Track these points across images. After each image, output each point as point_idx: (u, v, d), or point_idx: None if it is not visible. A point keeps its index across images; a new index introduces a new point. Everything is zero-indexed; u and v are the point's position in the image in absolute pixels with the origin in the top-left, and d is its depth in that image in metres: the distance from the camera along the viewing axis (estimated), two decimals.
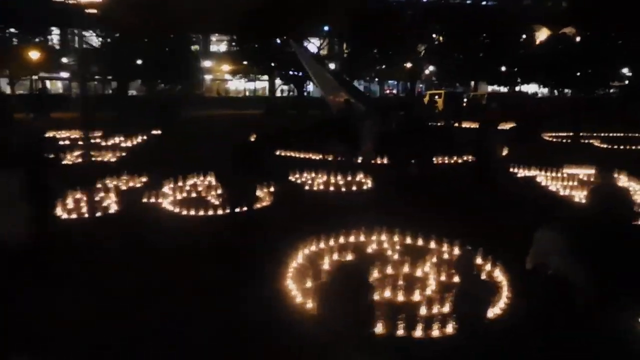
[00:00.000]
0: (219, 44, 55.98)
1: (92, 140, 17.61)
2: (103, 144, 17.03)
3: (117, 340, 4.67)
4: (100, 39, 38.49)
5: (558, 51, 37.37)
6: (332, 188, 11.00)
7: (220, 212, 8.76)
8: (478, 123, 13.17)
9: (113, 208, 9.09)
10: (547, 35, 42.98)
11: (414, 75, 43.45)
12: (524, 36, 42.32)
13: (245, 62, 42.53)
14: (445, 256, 6.87)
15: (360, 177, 11.76)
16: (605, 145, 18.43)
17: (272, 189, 10.41)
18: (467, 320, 4.44)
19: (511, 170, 12.80)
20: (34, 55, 33.13)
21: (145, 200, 9.57)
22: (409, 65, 41.30)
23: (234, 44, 42.88)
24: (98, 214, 8.77)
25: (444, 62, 41.79)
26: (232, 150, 8.43)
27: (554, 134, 21.02)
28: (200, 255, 6.86)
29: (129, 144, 17.31)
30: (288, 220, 8.39)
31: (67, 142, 17.19)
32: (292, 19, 38.40)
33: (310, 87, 50.13)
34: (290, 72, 41.63)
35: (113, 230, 8.03)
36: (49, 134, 18.95)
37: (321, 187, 11.12)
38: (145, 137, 18.72)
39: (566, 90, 43.67)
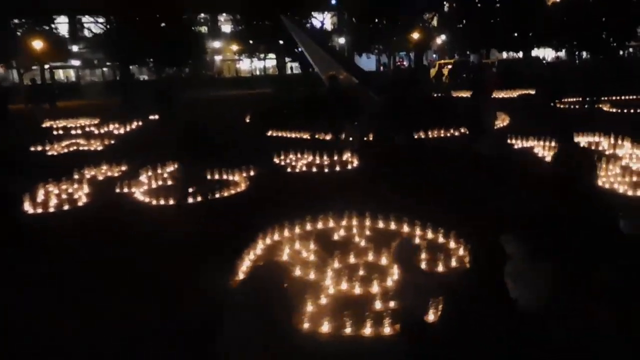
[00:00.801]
0: (227, 24, 55.26)
1: (87, 129, 17.50)
2: (96, 131, 16.83)
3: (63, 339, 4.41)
4: (104, 24, 38.23)
5: (574, 10, 35.39)
6: (315, 169, 10.54)
7: (190, 201, 8.42)
8: (470, 92, 12.51)
9: (83, 200, 8.84)
10: None
11: (422, 45, 42.06)
12: None
13: (251, 41, 41.81)
14: (417, 241, 6.41)
15: (346, 156, 11.31)
16: (615, 110, 17.43)
17: (251, 173, 10.06)
18: (408, 319, 4.01)
19: (508, 141, 12.10)
20: (38, 44, 33.05)
21: (118, 190, 9.29)
22: (416, 35, 39.92)
23: (238, 23, 42.13)
24: (66, 207, 8.52)
25: (454, 30, 40.31)
26: (178, 135, 8.04)
27: (564, 100, 20.04)
28: (145, 250, 6.50)
29: (121, 131, 17.08)
30: (256, 207, 8.01)
31: (60, 131, 17.08)
32: None
33: None
34: (297, 50, 40.83)
35: (76, 224, 7.76)
36: (46, 124, 19.10)
37: (304, 168, 10.67)
38: (141, 123, 18.46)
39: (584, 54, 41.79)
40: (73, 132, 16.87)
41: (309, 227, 6.88)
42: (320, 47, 16.48)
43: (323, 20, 42.24)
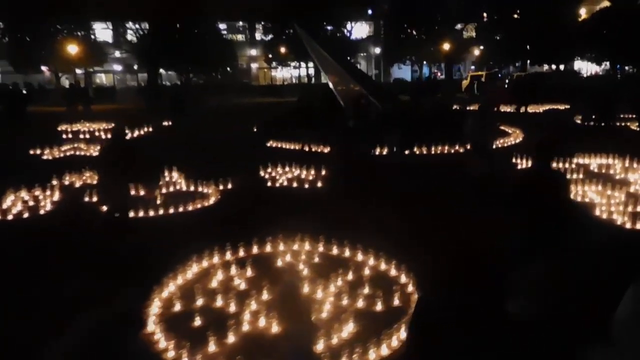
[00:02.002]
0: (266, 33, 55.78)
1: (97, 133, 17.60)
2: (104, 136, 16.90)
3: None
4: (136, 30, 39.14)
5: (613, 21, 33.36)
6: (295, 184, 10.01)
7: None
8: (477, 106, 11.70)
9: (46, 208, 8.64)
10: (590, 9, 38.87)
11: (453, 56, 40.86)
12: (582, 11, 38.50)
13: (282, 50, 41.83)
14: (365, 272, 5.79)
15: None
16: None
17: (229, 186, 9.66)
18: None
19: (513, 161, 11.20)
20: (73, 49, 34.08)
21: (86, 199, 9.04)
22: (446, 46, 38.81)
23: (267, 32, 42.25)
24: (25, 215, 8.33)
25: (490, 42, 38.92)
26: (102, 150, 7.64)
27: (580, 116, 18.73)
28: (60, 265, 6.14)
29: (127, 137, 17.01)
30: (209, 224, 7.57)
31: (70, 135, 17.23)
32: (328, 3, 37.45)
33: None
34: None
35: (20, 233, 7.52)
36: (62, 127, 19.37)
37: (284, 183, 10.16)
38: (151, 129, 18.44)
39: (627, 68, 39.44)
40: (81, 136, 16.99)
41: (252, 250, 6.38)
42: (332, 58, 15.99)
43: (351, 29, 41.74)
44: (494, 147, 11.14)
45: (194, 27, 35.84)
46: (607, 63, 40.20)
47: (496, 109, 22.06)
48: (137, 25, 38.36)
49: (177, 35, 34.56)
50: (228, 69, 41.44)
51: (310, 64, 41.14)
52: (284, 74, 58.42)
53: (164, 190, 9.55)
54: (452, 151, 12.68)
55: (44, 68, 40.47)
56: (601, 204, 8.07)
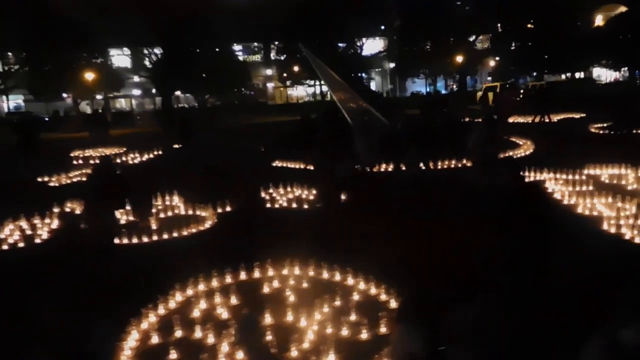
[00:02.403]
0: (279, 53, 56.34)
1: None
2: (114, 161, 17.05)
3: None
4: (148, 55, 39.91)
5: (632, 27, 32.56)
6: (295, 205, 9.83)
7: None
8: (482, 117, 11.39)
9: (44, 237, 8.62)
10: (606, 15, 38.08)
11: (466, 68, 40.45)
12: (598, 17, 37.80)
13: (296, 68, 42.06)
14: (354, 297, 5.54)
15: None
16: None
17: (227, 209, 9.54)
18: None
19: (521, 173, 10.78)
20: (90, 76, 34.89)
21: (82, 226, 9.00)
22: (459, 58, 38.47)
23: (280, 52, 42.58)
24: (21, 244, 8.31)
25: (504, 52, 38.43)
26: (91, 176, 7.55)
27: (599, 125, 18.16)
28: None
29: (136, 161, 17.19)
30: (201, 250, 7.41)
31: (80, 161, 17.42)
32: (340, 20, 37.64)
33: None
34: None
35: (19, 262, 7.49)
36: (74, 153, 19.63)
37: (284, 204, 9.98)
38: (161, 152, 18.54)
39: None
40: (91, 162, 17.14)
41: (239, 277, 6.21)
42: (337, 75, 15.89)
43: (361, 45, 41.79)
44: (502, 158, 10.78)
45: (207, 49, 36.34)
46: (626, 69, 39.32)
47: (507, 119, 21.61)
48: (151, 50, 39.11)
49: (189, 59, 35.02)
50: (243, 89, 41.83)
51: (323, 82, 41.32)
52: (299, 92, 58.80)
53: (161, 215, 9.47)
54: (459, 165, 12.34)
55: (65, 95, 41.54)
56: (610, 217, 7.67)
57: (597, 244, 6.83)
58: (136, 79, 45.48)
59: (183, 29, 34.14)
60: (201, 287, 5.90)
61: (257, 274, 6.28)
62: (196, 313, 5.39)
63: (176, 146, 19.93)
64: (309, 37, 36.08)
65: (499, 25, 38.28)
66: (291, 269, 6.32)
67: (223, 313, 5.36)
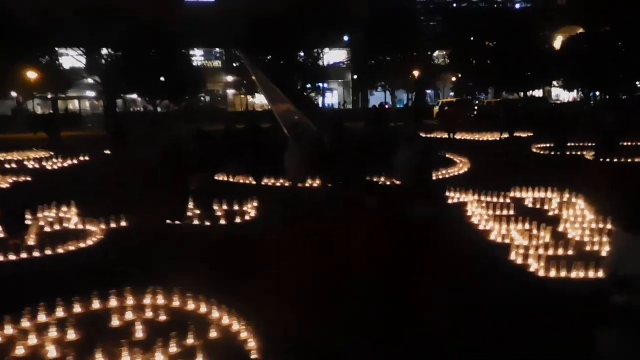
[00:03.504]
0: (238, 60, 55.46)
1: (26, 163, 16.57)
2: (30, 166, 15.93)
3: None
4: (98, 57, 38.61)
5: (587, 50, 33.22)
6: (197, 222, 9.03)
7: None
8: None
9: None
10: (567, 36, 38.90)
11: (423, 83, 40.58)
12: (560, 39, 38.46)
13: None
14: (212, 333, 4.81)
15: (252, 204, 9.86)
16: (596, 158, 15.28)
17: (122, 224, 8.69)
18: None
19: (446, 194, 10.31)
20: (33, 75, 33.31)
21: None
22: (417, 73, 38.54)
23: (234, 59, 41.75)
24: None
25: (461, 68, 38.66)
26: None
27: (542, 146, 18.05)
28: None
29: (55, 167, 16.05)
30: (68, 271, 6.60)
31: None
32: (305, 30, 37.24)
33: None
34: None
35: None
36: None
37: (195, 221, 9.15)
38: (87, 158, 17.44)
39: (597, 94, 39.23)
40: (7, 166, 15.94)
41: (91, 306, 5.41)
42: (275, 85, 15.25)
43: (319, 55, 41.45)
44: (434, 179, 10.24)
45: (161, 53, 35.29)
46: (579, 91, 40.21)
47: (453, 135, 21.42)
48: (102, 52, 37.79)
49: (141, 61, 33.88)
50: (203, 96, 40.89)
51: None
52: (262, 100, 57.85)
53: (47, 229, 8.55)
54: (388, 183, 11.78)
55: (14, 94, 39.67)
56: (521, 246, 7.18)
57: (495, 275, 6.32)
58: (90, 80, 43.83)
59: (135, 31, 33.02)
60: (41, 317, 5.09)
61: (112, 302, 5.50)
62: (22, 350, 4.58)
63: (107, 152, 18.85)
64: (268, 45, 35.57)
65: (458, 41, 38.51)
66: (153, 298, 5.56)
67: (50, 350, 4.56)
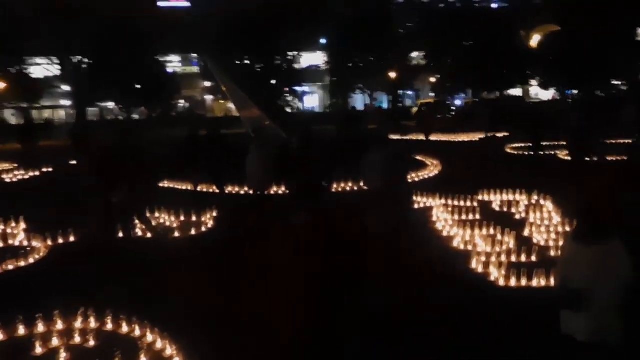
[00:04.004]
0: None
1: None
2: None
3: None
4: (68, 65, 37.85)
5: (563, 48, 33.27)
6: (150, 235, 8.59)
7: None
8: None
9: None
10: (543, 35, 39.08)
11: (400, 84, 40.44)
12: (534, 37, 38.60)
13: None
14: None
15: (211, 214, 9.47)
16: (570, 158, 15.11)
17: (71, 239, 8.22)
18: None
19: (413, 198, 9.97)
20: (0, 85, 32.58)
21: None
22: (392, 74, 38.40)
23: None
24: None
25: (438, 69, 38.58)
26: None
27: (516, 145, 17.90)
28: None
29: (15, 179, 15.43)
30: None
31: None
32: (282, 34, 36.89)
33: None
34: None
35: None
36: None
37: (149, 234, 8.70)
38: (51, 169, 16.79)
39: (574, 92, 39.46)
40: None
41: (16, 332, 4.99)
42: (240, 89, 14.89)
43: (294, 58, 41.13)
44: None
45: (134, 59, 34.67)
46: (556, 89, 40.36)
47: (429, 135, 21.15)
48: (71, 58, 37.04)
49: (112, 68, 33.25)
50: (180, 102, 40.25)
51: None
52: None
53: None
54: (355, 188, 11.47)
55: None
56: (484, 252, 6.89)
57: (453, 285, 5.99)
58: (64, 88, 42.91)
59: (105, 33, 32.37)
60: None
61: (40, 327, 5.07)
62: None
63: (72, 162, 18.15)
64: (242, 49, 35.15)
65: (434, 41, 38.40)
66: (85, 322, 5.16)
67: None
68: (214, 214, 9.54)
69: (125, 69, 33.25)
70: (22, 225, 9.02)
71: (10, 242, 8.34)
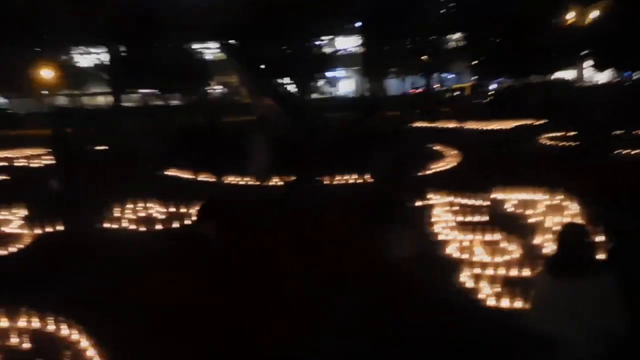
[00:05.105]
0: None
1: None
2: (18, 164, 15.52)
3: None
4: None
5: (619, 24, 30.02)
6: (145, 227, 8.17)
7: None
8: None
9: None
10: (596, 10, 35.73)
11: (436, 68, 38.54)
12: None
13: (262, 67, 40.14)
14: None
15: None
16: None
17: (59, 228, 7.93)
18: None
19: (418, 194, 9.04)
20: (49, 73, 33.82)
21: None
22: (427, 57, 36.64)
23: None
24: None
25: (477, 51, 36.19)
26: None
27: (553, 135, 16.43)
28: None
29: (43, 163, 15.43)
30: None
31: None
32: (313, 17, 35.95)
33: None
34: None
35: None
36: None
37: (131, 226, 8.30)
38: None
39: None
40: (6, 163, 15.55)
41: None
42: (254, 77, 14.37)
43: (329, 43, 40.09)
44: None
45: (167, 47, 35.03)
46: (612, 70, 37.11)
47: (462, 122, 19.69)
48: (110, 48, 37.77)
49: (149, 56, 33.72)
50: (211, 87, 40.34)
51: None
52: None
53: None
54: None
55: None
56: (480, 262, 6.03)
57: (433, 301, 5.14)
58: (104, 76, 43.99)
59: (142, 26, 32.76)
60: None
61: None
62: None
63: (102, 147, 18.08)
64: (272, 34, 34.47)
65: (473, 22, 36.11)
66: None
67: None
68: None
69: (155, 54, 33.56)
70: (22, 212, 8.83)
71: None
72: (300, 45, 36.51)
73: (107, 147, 17.51)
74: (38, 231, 7.87)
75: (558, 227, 6.91)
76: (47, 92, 40.08)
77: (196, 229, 5.74)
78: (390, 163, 9.37)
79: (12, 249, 7.18)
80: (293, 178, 10.40)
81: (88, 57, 42.13)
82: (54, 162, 11.98)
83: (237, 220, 5.59)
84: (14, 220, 8.45)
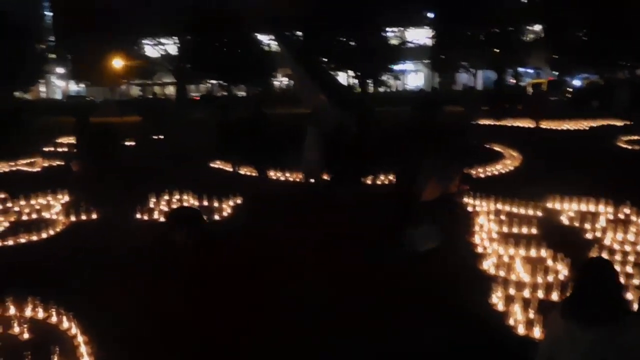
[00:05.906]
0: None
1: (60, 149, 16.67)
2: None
3: None
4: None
5: None
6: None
7: None
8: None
9: None
10: None
11: (509, 62, 36.05)
12: None
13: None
14: None
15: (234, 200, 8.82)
16: None
17: (83, 218, 8.09)
18: None
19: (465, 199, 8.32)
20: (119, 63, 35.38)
21: None
22: (500, 50, 34.37)
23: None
24: None
25: (558, 43, 33.35)
26: None
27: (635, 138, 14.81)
28: None
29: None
30: None
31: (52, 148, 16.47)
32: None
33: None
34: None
35: None
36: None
37: (154, 216, 8.30)
38: (133, 143, 17.05)
39: None
40: (59, 149, 16.12)
41: None
42: (305, 69, 13.91)
43: (397, 35, 38.85)
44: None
45: (233, 38, 35.66)
46: None
47: (538, 121, 18.07)
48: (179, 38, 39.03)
49: (218, 47, 34.47)
50: (277, 79, 40.63)
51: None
52: (349, 80, 56.18)
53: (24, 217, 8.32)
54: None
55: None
56: (515, 282, 5.35)
57: (457, 324, 4.60)
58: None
59: (211, 19, 33.57)
60: None
61: None
62: None
63: (156, 137, 18.48)
64: (338, 25, 33.98)
65: (554, 11, 33.36)
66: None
67: None
68: (238, 201, 8.84)
69: (222, 46, 34.24)
70: (65, 198, 9.09)
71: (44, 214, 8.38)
72: (366, 37, 35.74)
73: (161, 137, 17.77)
74: (72, 219, 8.02)
75: (617, 246, 6.24)
76: (122, 80, 41.99)
77: (168, 236, 5.58)
78: (435, 164, 8.62)
79: (43, 234, 7.31)
80: (332, 177, 10.08)
81: (158, 48, 43.75)
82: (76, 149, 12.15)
83: (206, 229, 5.49)
84: (55, 205, 8.67)
